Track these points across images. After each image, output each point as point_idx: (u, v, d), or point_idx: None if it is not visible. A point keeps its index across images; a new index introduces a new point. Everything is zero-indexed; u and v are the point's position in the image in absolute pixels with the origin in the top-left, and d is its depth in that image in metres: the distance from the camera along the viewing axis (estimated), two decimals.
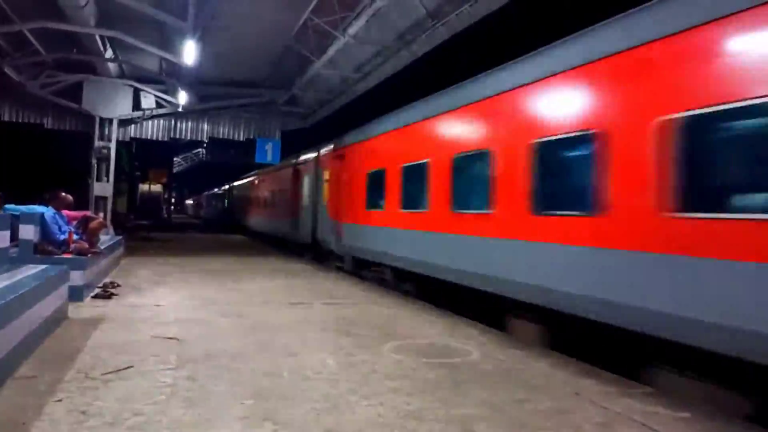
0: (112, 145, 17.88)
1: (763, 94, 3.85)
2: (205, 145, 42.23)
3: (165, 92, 18.22)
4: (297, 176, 17.76)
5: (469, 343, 5.84)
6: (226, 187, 39.39)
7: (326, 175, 14.46)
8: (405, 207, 9.66)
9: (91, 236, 8.91)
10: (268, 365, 4.74)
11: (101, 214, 15.75)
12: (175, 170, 54.30)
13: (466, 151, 7.86)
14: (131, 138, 19.73)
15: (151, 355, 4.88)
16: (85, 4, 11.42)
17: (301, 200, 17.01)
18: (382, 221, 10.57)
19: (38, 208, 8.22)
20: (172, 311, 7.04)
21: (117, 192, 20.67)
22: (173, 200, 65.27)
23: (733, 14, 4.13)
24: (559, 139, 5.96)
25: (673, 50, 4.63)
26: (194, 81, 17.33)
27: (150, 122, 19.25)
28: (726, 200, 4.25)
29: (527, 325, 6.63)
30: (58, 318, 6.00)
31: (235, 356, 4.97)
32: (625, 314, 4.90)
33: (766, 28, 3.93)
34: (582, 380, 4.63)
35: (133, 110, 18.23)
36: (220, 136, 20.62)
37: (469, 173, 7.88)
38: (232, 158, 37.16)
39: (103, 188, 17.78)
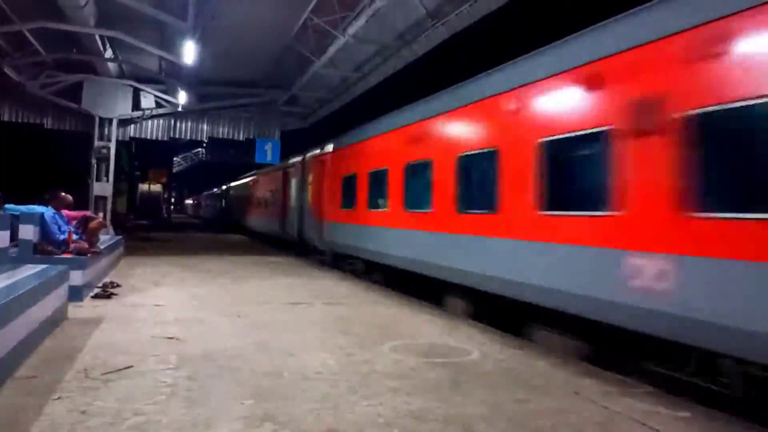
0: (112, 145, 17.87)
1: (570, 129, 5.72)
2: (204, 144, 42.27)
3: (165, 92, 18.23)
4: (286, 179, 18.74)
5: (469, 342, 5.85)
6: (224, 187, 39.47)
7: (310, 178, 15.58)
8: (370, 207, 11.06)
9: (91, 236, 8.91)
10: (268, 365, 4.74)
11: (101, 214, 15.75)
12: (174, 170, 54.29)
13: (412, 161, 9.29)
14: (131, 138, 19.72)
15: (151, 355, 4.89)
16: (85, 4, 11.42)
17: (290, 201, 18.11)
18: (354, 219, 12.03)
19: (38, 208, 8.23)
20: (171, 311, 7.04)
21: (117, 192, 20.67)
22: (173, 200, 65.27)
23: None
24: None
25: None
26: (194, 81, 17.33)
27: (150, 122, 19.25)
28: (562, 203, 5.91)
29: (457, 301, 8.14)
30: (58, 318, 6.00)
31: (234, 356, 4.97)
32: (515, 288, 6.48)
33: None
34: (582, 380, 4.64)
35: (132, 110, 18.23)
36: (220, 136, 20.65)
37: (416, 178, 9.34)
38: (232, 158, 37.19)
39: (103, 188, 17.78)
